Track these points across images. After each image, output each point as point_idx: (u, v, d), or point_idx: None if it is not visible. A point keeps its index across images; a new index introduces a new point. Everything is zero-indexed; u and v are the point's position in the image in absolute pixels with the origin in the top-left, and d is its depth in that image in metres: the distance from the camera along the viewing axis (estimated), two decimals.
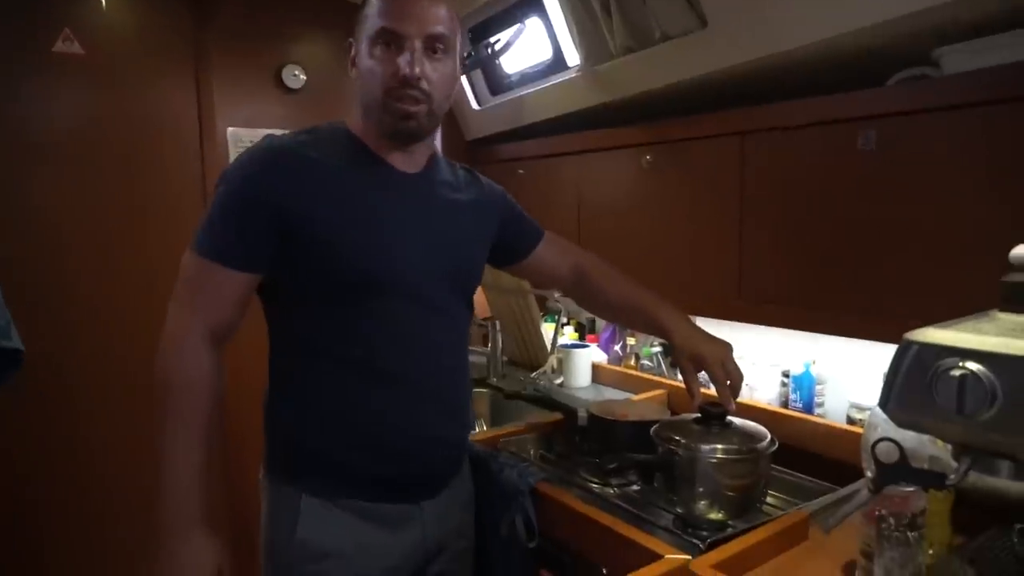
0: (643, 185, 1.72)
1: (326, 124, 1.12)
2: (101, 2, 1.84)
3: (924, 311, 1.16)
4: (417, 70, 1.01)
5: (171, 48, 1.95)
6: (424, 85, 1.02)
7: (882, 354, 1.53)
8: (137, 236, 1.90)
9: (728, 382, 1.15)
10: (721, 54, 1.43)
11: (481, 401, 2.03)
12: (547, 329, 2.14)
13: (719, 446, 1.12)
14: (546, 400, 1.57)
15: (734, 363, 1.17)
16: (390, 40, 1.01)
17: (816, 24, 1.25)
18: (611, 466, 1.26)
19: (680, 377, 1.24)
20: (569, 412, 1.52)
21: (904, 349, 0.65)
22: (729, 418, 1.20)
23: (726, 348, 1.18)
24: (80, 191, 1.86)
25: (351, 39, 1.08)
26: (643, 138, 1.72)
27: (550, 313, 2.26)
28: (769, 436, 1.16)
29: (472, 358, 2.27)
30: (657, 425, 1.23)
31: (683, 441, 1.14)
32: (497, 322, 2.10)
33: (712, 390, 1.17)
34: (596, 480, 1.39)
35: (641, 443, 1.25)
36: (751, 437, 1.16)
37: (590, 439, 1.49)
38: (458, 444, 1.19)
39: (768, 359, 1.63)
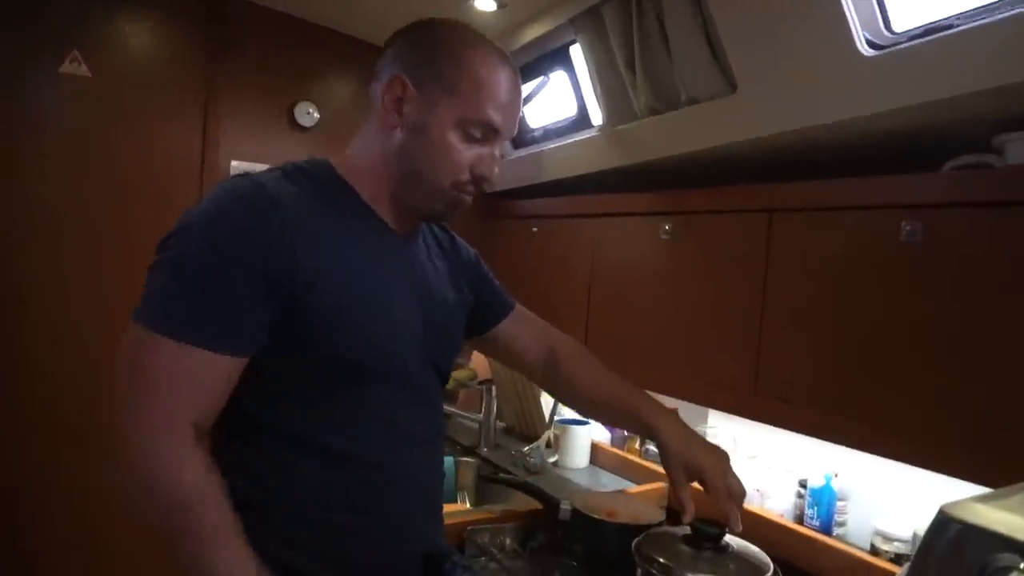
0: (659, 257, 1.58)
1: (306, 162, 0.91)
2: (119, 25, 1.79)
3: (973, 440, 1.01)
4: (496, 170, 0.92)
5: (182, 76, 1.89)
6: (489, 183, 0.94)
7: (917, 477, 1.37)
8: (126, 262, 1.81)
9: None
10: (751, 122, 1.30)
11: (467, 473, 1.87)
12: (548, 399, 1.98)
13: None
14: (528, 487, 1.40)
15: (736, 477, 1.00)
16: (487, 133, 0.90)
17: (859, 97, 1.11)
18: None
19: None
20: (551, 503, 1.36)
21: (941, 527, 0.48)
22: (727, 538, 1.02)
23: (726, 459, 1.01)
24: (76, 208, 1.80)
25: (404, 77, 0.88)
26: (664, 206, 1.58)
27: None
28: (772, 568, 0.98)
29: (464, 422, 2.16)
30: (641, 539, 1.06)
31: (668, 565, 0.97)
32: (494, 387, 1.95)
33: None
34: None
35: (628, 549, 1.08)
36: (751, 568, 0.98)
37: (572, 537, 1.32)
38: (445, 553, 0.99)
39: (784, 464, 1.45)
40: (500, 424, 2.19)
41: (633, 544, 1.06)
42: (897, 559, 1.21)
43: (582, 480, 1.72)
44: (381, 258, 0.91)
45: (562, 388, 1.17)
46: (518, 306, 1.19)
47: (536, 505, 1.40)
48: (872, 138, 1.18)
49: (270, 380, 0.85)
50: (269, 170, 0.89)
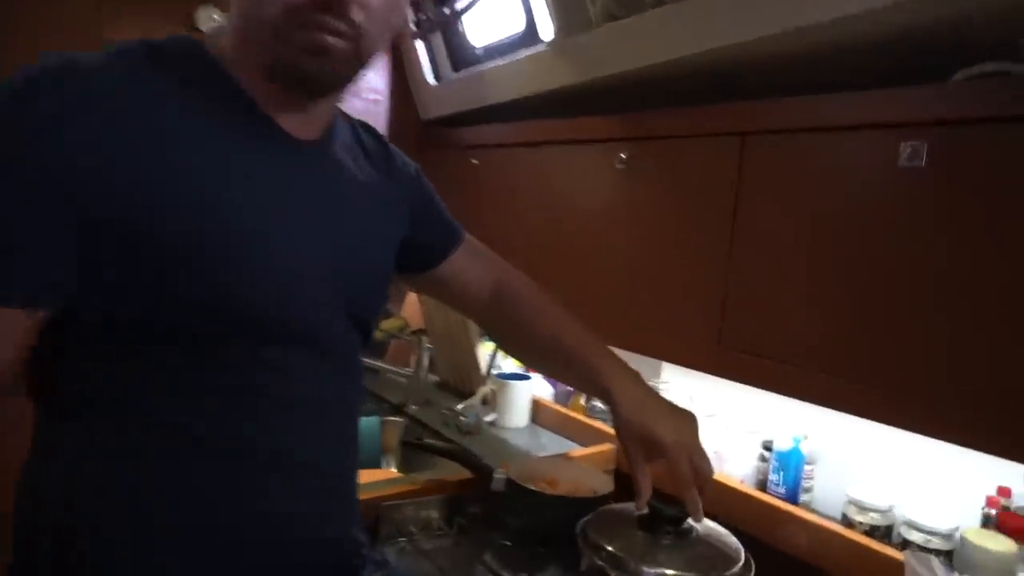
0: (613, 190, 1.37)
1: (169, 38, 0.67)
2: None
3: (977, 400, 0.85)
4: None
5: None
6: (356, 13, 0.64)
7: (891, 440, 1.24)
8: None
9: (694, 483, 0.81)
10: (731, 24, 1.09)
11: (393, 434, 1.66)
12: (486, 350, 1.78)
13: (669, 573, 0.77)
14: (455, 454, 1.20)
15: (704, 456, 0.82)
16: None
17: None
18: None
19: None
20: (483, 471, 1.17)
21: None
22: (690, 520, 0.85)
23: (693, 433, 0.83)
24: None
25: None
26: (619, 131, 1.37)
27: None
28: (743, 558, 0.82)
29: (394, 378, 1.95)
30: (588, 520, 0.88)
31: (618, 555, 0.79)
32: (423, 337, 1.74)
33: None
34: (505, 572, 1.03)
35: (571, 524, 0.91)
36: (718, 558, 0.81)
37: (506, 511, 1.14)
38: (351, 550, 0.80)
39: (746, 424, 1.29)
40: (434, 378, 1.99)
41: (578, 526, 0.88)
42: (872, 531, 1.07)
43: (521, 441, 1.54)
44: (261, 170, 0.67)
45: (507, 331, 0.97)
46: (468, 235, 0.98)
47: (465, 475, 1.21)
48: (876, 43, 0.99)
49: (98, 340, 0.63)
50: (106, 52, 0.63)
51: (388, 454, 1.68)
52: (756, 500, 1.16)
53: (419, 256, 0.92)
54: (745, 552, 0.83)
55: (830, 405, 1.02)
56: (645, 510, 0.82)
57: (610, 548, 0.80)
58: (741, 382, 1.14)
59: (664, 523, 0.83)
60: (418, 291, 0.99)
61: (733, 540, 0.85)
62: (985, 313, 0.83)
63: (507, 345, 1.04)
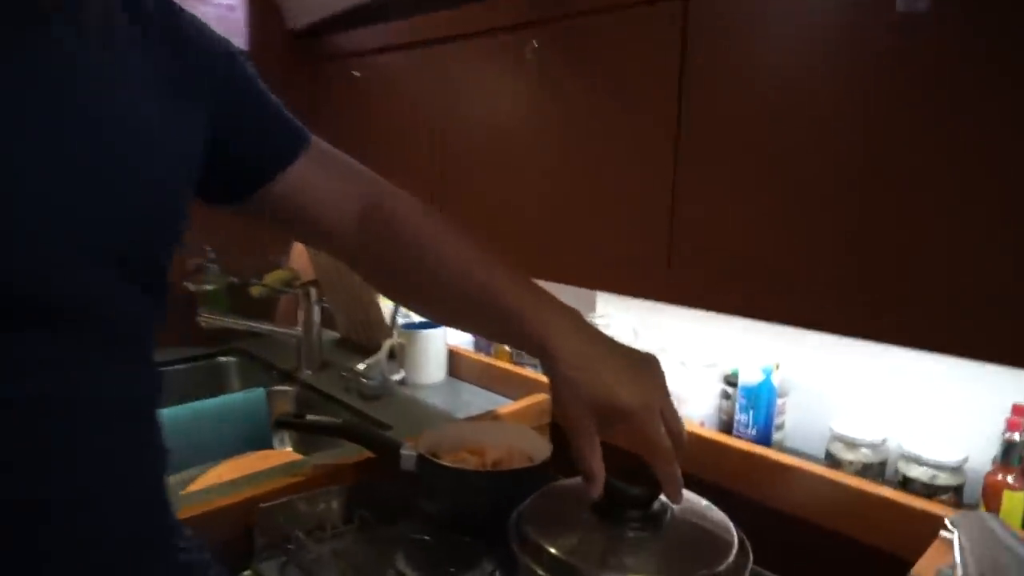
0: (528, 90, 1.10)
1: None
2: None
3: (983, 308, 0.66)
4: None
5: None
6: None
7: (885, 363, 0.97)
8: None
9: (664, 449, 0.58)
10: None
11: (285, 407, 1.39)
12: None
13: None
14: (346, 429, 0.94)
15: (676, 417, 0.60)
16: None
17: None
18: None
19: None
20: (387, 449, 0.92)
21: None
22: (661, 501, 0.63)
23: (658, 382, 0.60)
24: None
25: None
26: (525, 14, 1.10)
27: None
28: (736, 541, 0.60)
29: (284, 340, 1.63)
30: (522, 512, 0.65)
31: (569, 563, 0.56)
32: (312, 289, 1.45)
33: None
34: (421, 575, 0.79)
35: (506, 507, 0.67)
36: (705, 547, 0.59)
37: (421, 496, 0.90)
38: None
39: (703, 357, 1.08)
40: (333, 336, 1.71)
41: (512, 518, 0.65)
42: (864, 470, 0.89)
43: (438, 400, 1.30)
44: None
45: (387, 268, 0.68)
46: (315, 141, 0.68)
47: (366, 455, 0.96)
48: None
49: None
50: None
51: (282, 432, 1.41)
52: (722, 446, 0.96)
53: (239, 171, 0.62)
54: (738, 532, 0.61)
55: (807, 324, 0.82)
56: (598, 496, 0.59)
57: (555, 551, 0.57)
58: (699, 307, 0.92)
59: (628, 508, 0.60)
60: (257, 225, 0.69)
61: (719, 516, 0.64)
62: (989, 203, 0.63)
63: (392, 289, 0.76)
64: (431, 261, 0.66)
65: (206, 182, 0.58)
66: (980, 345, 0.67)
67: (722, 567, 0.56)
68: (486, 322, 0.67)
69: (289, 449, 1.37)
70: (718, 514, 0.64)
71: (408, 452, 0.90)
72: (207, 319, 1.34)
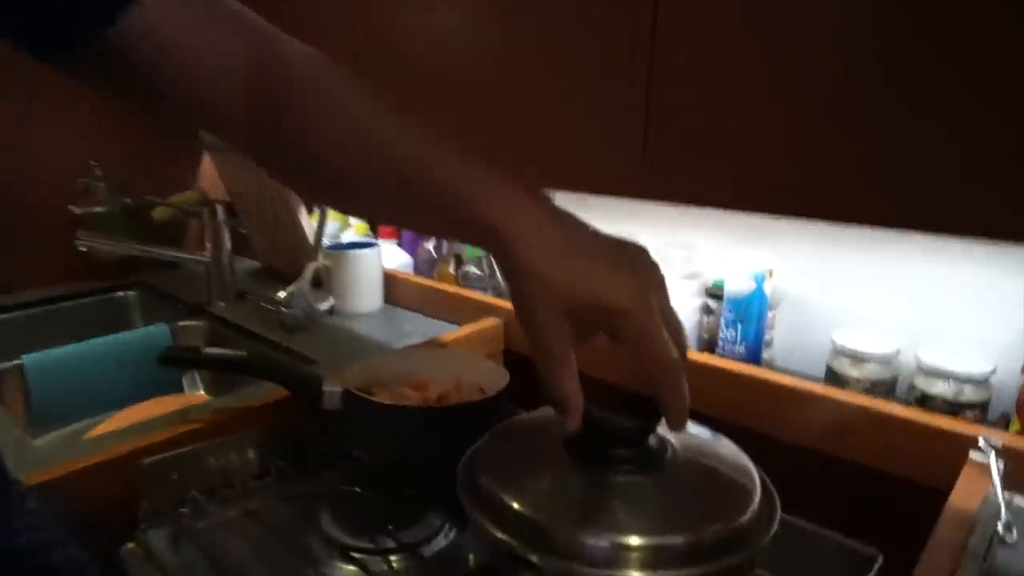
0: None
1: None
2: None
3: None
4: None
5: None
6: None
7: (892, 261, 0.84)
8: None
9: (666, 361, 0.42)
10: None
11: (193, 339, 1.19)
12: (314, 218, 1.30)
13: (636, 542, 0.39)
14: (248, 364, 0.76)
15: (675, 318, 0.45)
16: None
17: None
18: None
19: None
20: (306, 386, 0.74)
21: None
22: (660, 435, 0.48)
23: (653, 275, 0.44)
24: None
25: None
26: None
27: None
28: (758, 485, 0.46)
29: (195, 269, 1.41)
30: (472, 455, 0.49)
31: (534, 521, 0.41)
32: (219, 207, 1.23)
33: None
34: (351, 540, 0.64)
35: (452, 449, 0.51)
36: (721, 494, 0.44)
37: (349, 441, 0.73)
38: None
39: (682, 265, 0.93)
40: (255, 266, 1.51)
41: (460, 467, 0.49)
42: (872, 388, 0.77)
43: (374, 331, 1.12)
44: None
45: (296, 157, 0.49)
46: None
47: (280, 394, 0.78)
48: None
49: None
50: None
51: (192, 373, 1.21)
52: (706, 367, 0.82)
53: (57, 18, 0.42)
54: (759, 473, 0.47)
55: (805, 213, 0.67)
56: (576, 430, 0.43)
57: (517, 506, 0.41)
58: (678, 201, 0.76)
59: (616, 445, 0.45)
60: (98, 90, 0.48)
61: (733, 451, 0.49)
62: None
63: (297, 179, 0.56)
64: (342, 134, 0.47)
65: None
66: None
67: (743, 519, 0.42)
68: (420, 209, 0.49)
69: (201, 393, 1.19)
70: (731, 448, 0.49)
71: (332, 388, 0.73)
72: (87, 242, 1.12)
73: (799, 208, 0.67)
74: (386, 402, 0.71)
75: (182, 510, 0.68)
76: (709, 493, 0.45)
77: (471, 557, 0.47)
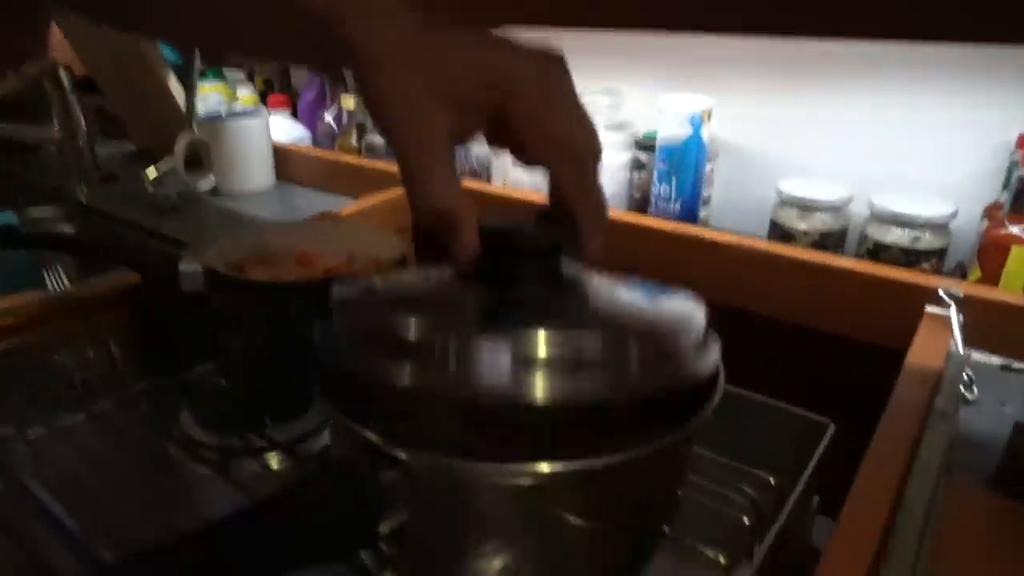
0: None
1: None
2: None
3: None
4: None
5: None
6: None
7: (834, 98, 0.74)
8: None
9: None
10: None
11: (48, 228, 1.02)
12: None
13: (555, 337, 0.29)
14: (84, 245, 0.62)
15: (585, 114, 0.32)
16: None
17: None
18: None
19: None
20: (158, 265, 0.61)
21: None
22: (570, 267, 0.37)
23: (554, 59, 0.31)
24: None
25: None
26: None
27: (213, 67, 1.24)
28: (702, 315, 0.36)
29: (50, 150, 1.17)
30: (340, 296, 0.37)
31: (431, 332, 0.30)
32: (64, 74, 1.03)
33: None
34: (210, 437, 0.53)
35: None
36: (660, 321, 0.34)
37: (215, 324, 0.61)
38: None
39: (608, 114, 0.80)
40: (130, 148, 1.32)
41: (315, 343, 0.37)
42: (822, 241, 0.68)
43: (263, 210, 0.98)
44: None
45: None
46: None
47: (128, 281, 0.64)
48: None
49: None
50: None
51: (56, 268, 1.05)
52: (637, 228, 0.72)
53: None
54: (699, 303, 0.37)
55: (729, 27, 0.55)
56: (474, 248, 0.32)
57: (401, 313, 0.31)
58: (588, 24, 0.63)
59: (523, 264, 0.34)
60: None
61: (666, 290, 0.39)
62: None
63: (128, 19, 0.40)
64: None
65: None
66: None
67: (689, 338, 0.32)
68: (252, 23, 0.35)
69: (68, 284, 1.03)
70: (664, 288, 0.39)
71: (190, 268, 0.60)
72: None
73: (717, 23, 0.56)
74: (253, 279, 0.58)
75: (3, 427, 0.55)
76: (639, 314, 0.35)
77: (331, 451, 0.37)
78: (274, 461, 0.52)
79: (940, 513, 0.37)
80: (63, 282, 1.05)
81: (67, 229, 1.01)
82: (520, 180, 0.82)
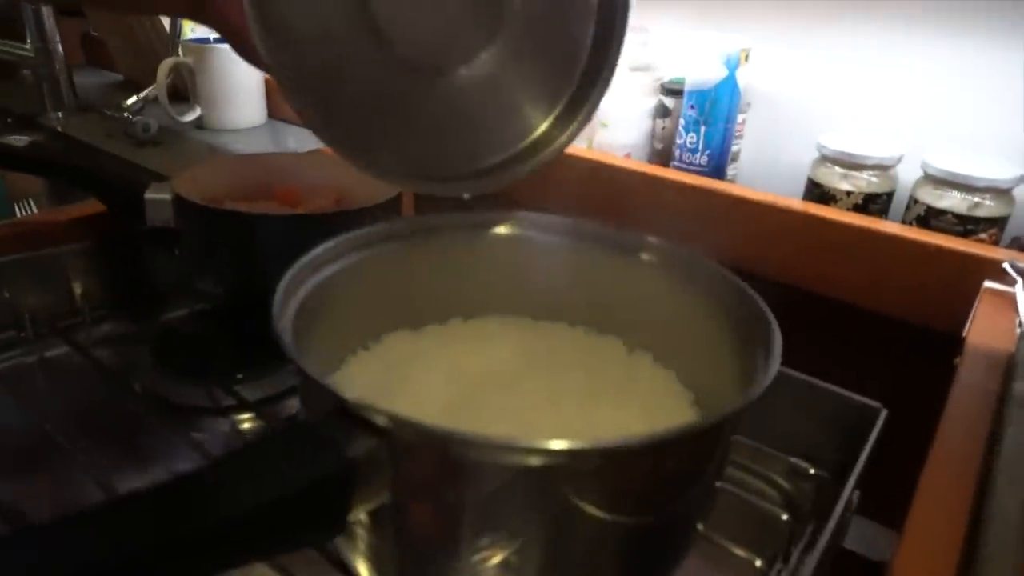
0: None
1: None
2: None
3: None
4: None
5: None
6: None
7: (886, 49, 0.64)
8: None
9: None
10: None
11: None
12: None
13: None
14: (37, 161, 0.54)
15: None
16: None
17: None
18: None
19: None
20: (120, 194, 0.54)
21: None
22: None
23: None
24: None
25: None
26: None
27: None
28: None
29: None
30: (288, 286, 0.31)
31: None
32: None
33: None
34: (186, 404, 0.47)
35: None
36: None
37: (186, 263, 0.54)
38: None
39: (633, 53, 0.73)
40: (116, 78, 1.23)
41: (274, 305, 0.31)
42: (866, 203, 0.61)
43: (251, 147, 0.90)
44: None
45: None
46: None
47: (90, 210, 0.58)
48: None
49: None
50: None
51: (28, 198, 0.98)
52: (660, 181, 0.65)
53: None
54: None
55: None
56: None
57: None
58: None
59: None
60: None
61: None
62: None
63: None
64: None
65: None
66: None
67: None
68: None
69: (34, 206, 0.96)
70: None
71: (158, 196, 0.53)
72: None
73: None
74: (233, 210, 0.52)
75: None
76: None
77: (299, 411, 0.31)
78: (245, 422, 0.46)
79: None
80: (41, 208, 0.98)
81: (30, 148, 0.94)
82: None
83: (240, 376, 0.48)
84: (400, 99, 0.34)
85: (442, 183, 0.35)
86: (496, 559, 0.27)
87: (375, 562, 0.28)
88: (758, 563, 0.34)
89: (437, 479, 0.25)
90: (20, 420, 0.46)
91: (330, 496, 0.23)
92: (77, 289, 0.55)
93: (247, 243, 0.51)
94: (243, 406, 0.45)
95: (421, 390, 0.33)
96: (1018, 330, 0.45)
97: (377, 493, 0.25)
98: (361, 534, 0.27)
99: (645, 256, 0.38)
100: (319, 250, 0.34)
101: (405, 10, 0.31)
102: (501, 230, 0.40)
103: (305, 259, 0.34)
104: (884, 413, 0.41)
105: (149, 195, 0.53)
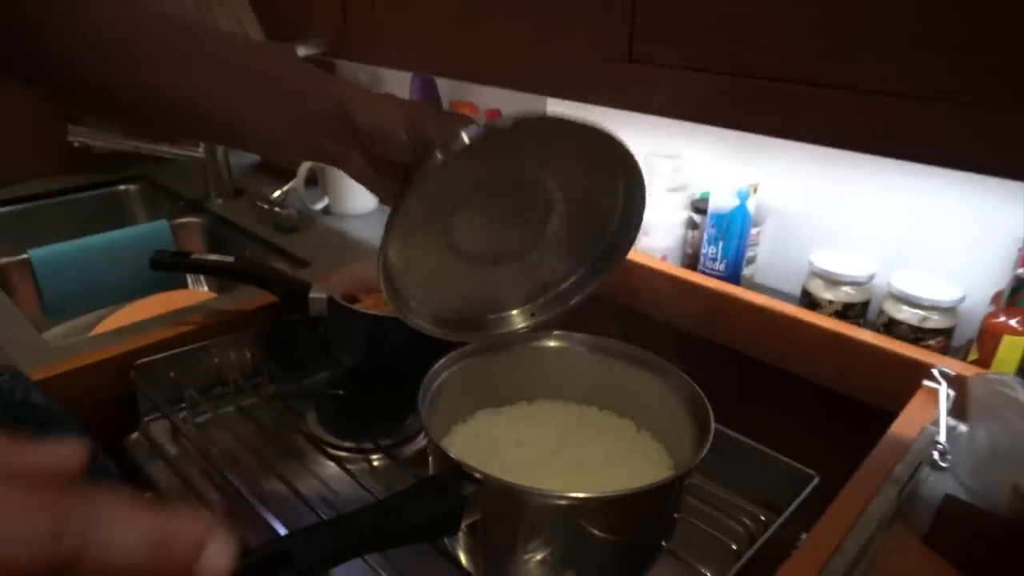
0: None
1: None
2: None
3: None
4: None
5: None
6: None
7: (876, 186, 0.83)
8: None
9: None
10: None
11: (193, 240, 1.22)
12: None
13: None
14: (236, 270, 0.78)
15: None
16: None
17: None
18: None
19: None
20: (294, 291, 0.77)
21: None
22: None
23: None
24: None
25: None
26: None
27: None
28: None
29: (188, 165, 1.36)
30: (430, 378, 0.52)
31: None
32: None
33: None
34: (331, 438, 0.69)
35: (433, 356, 0.55)
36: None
37: (335, 343, 0.77)
38: None
39: (670, 177, 0.92)
40: (254, 160, 1.51)
41: (423, 383, 0.52)
42: (846, 311, 0.79)
43: (368, 233, 1.14)
44: None
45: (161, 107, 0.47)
46: None
47: (266, 300, 0.81)
48: None
49: None
50: None
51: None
52: (686, 283, 0.83)
53: None
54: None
55: (790, 135, 0.66)
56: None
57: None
58: (669, 114, 0.75)
59: None
60: None
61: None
62: None
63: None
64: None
65: None
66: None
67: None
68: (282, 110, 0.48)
69: (205, 289, 1.22)
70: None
71: (317, 295, 0.76)
72: (79, 137, 1.12)
73: (786, 129, 0.66)
74: (366, 311, 0.74)
75: (180, 406, 0.73)
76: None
77: (430, 462, 0.51)
78: (376, 461, 0.67)
79: (877, 560, 0.49)
80: (202, 283, 1.24)
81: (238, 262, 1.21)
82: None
83: (373, 429, 0.70)
84: (457, 278, 0.54)
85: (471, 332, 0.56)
86: (538, 557, 0.46)
87: (470, 554, 0.49)
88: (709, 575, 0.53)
89: (507, 509, 0.45)
90: (229, 449, 0.68)
91: (450, 515, 0.44)
92: (261, 357, 0.78)
93: (371, 333, 0.73)
94: (377, 449, 0.67)
95: (500, 452, 0.54)
96: (932, 425, 0.61)
97: (473, 514, 0.45)
98: (463, 537, 0.48)
99: (648, 364, 0.57)
100: (443, 360, 0.55)
101: (477, 232, 0.51)
102: (552, 343, 0.60)
103: (434, 367, 0.54)
104: (815, 479, 0.58)
105: (313, 295, 0.76)
